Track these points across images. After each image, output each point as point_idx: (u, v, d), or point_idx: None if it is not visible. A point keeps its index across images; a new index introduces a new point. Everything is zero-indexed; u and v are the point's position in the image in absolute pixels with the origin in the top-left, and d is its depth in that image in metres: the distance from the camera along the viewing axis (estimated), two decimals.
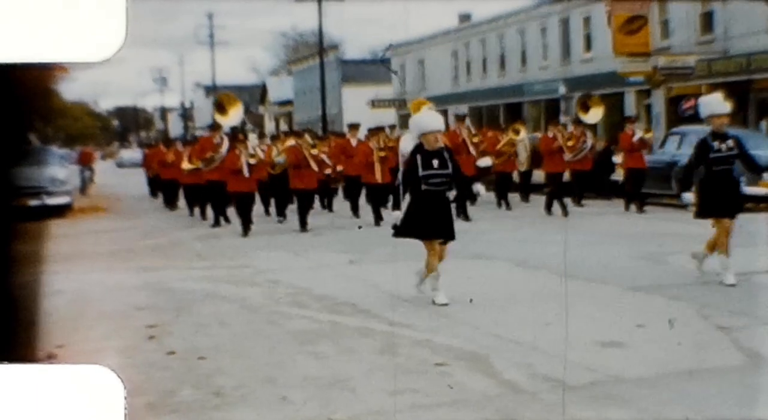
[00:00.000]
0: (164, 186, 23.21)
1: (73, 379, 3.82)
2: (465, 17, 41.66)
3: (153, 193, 25.88)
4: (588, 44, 33.34)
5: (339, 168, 19.13)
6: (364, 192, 19.03)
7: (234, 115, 18.82)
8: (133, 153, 44.06)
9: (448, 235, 9.50)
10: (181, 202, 21.93)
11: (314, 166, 17.16)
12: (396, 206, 9.56)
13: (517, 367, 6.91)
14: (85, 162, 29.63)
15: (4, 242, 4.59)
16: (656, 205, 18.79)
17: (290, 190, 17.44)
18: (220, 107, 18.74)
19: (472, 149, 18.51)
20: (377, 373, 6.89)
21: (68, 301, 10.04)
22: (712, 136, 10.17)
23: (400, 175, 9.81)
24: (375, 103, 42.50)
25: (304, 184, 16.96)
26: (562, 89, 33.97)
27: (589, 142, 19.11)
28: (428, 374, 6.82)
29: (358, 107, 39.59)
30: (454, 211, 9.97)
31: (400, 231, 9.52)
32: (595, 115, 19.99)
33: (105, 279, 11.88)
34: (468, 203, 16.71)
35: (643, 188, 18.69)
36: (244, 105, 20.67)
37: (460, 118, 19.64)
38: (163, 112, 54.15)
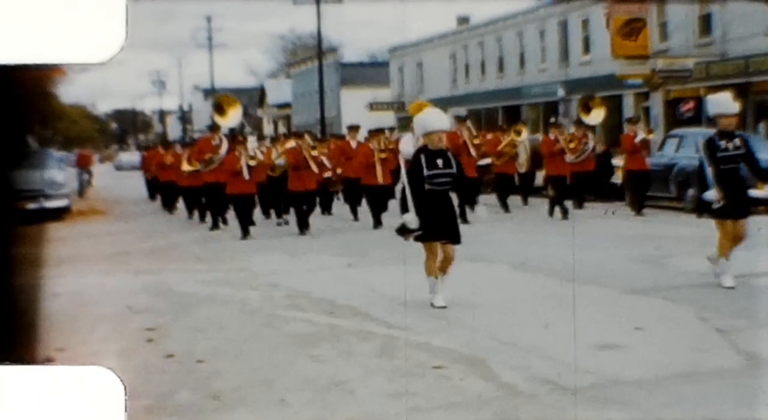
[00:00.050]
0: (163, 188, 23.18)
1: (74, 381, 3.82)
2: (463, 20, 41.70)
3: (151, 195, 25.87)
4: (586, 47, 33.36)
5: (338, 171, 19.05)
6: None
7: (233, 117, 18.76)
8: (131, 156, 44.03)
9: (453, 236, 9.38)
10: (180, 204, 21.92)
11: (314, 168, 17.03)
12: (404, 209, 9.41)
13: (515, 369, 6.90)
14: (83, 165, 29.60)
15: (2, 245, 4.58)
16: (655, 208, 18.76)
17: (288, 192, 17.28)
18: (219, 108, 18.69)
19: (473, 151, 18.48)
20: (375, 376, 6.88)
21: (66, 304, 10.02)
22: (719, 136, 10.04)
23: (403, 176, 9.71)
24: (373, 106, 42.53)
25: (304, 186, 16.82)
26: (561, 92, 33.99)
27: (591, 143, 18.97)
28: (426, 377, 6.81)
29: (357, 110, 39.61)
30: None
31: (403, 231, 9.41)
32: (596, 116, 19.91)
33: (103, 282, 11.87)
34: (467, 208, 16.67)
35: (640, 190, 18.56)
36: (242, 108, 20.61)
37: (461, 120, 19.58)
38: (162, 115, 54.17)
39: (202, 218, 19.50)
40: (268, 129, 49.56)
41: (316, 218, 17.21)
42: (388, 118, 38.38)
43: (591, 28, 32.86)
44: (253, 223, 16.94)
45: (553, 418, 5.90)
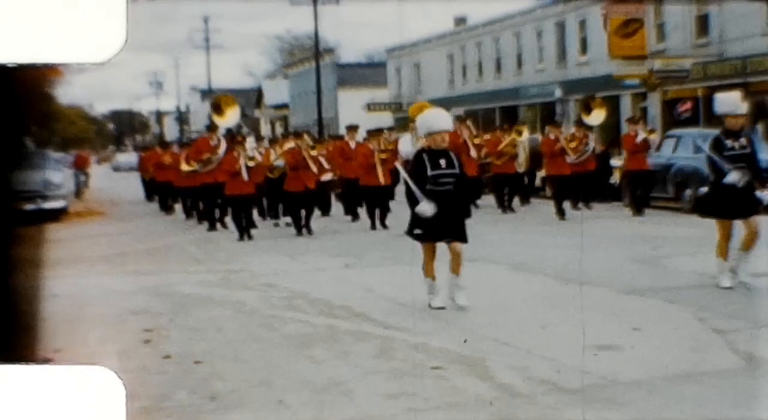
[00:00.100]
0: (160, 189, 23.16)
1: (74, 380, 3.82)
2: (461, 20, 41.74)
3: (149, 196, 25.86)
4: (584, 47, 33.40)
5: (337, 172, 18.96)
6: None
7: (231, 116, 18.67)
8: (128, 156, 44.08)
9: (459, 235, 9.28)
10: (177, 205, 21.91)
11: (314, 168, 16.95)
12: (413, 204, 9.28)
13: (513, 370, 6.90)
14: (80, 166, 29.61)
15: (0, 246, 4.58)
16: (652, 208, 18.77)
17: (285, 192, 17.16)
18: (217, 108, 18.59)
19: (473, 150, 18.48)
20: (373, 377, 6.88)
21: (64, 306, 10.00)
22: (726, 135, 9.96)
23: (404, 174, 9.61)
24: (371, 107, 42.57)
25: (303, 186, 16.69)
26: (558, 92, 34.03)
27: (592, 144, 18.89)
28: (424, 378, 6.81)
29: (354, 111, 39.66)
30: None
31: (413, 232, 9.33)
32: (597, 116, 19.83)
33: (100, 283, 11.86)
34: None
35: (642, 190, 18.52)
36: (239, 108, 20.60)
37: (461, 119, 19.54)
38: (159, 115, 54.21)
39: (200, 219, 19.48)
40: (265, 130, 49.60)
41: (314, 219, 17.19)
42: (385, 119, 38.40)
43: (588, 28, 32.91)
44: (254, 226, 16.84)
45: (551, 419, 5.90)
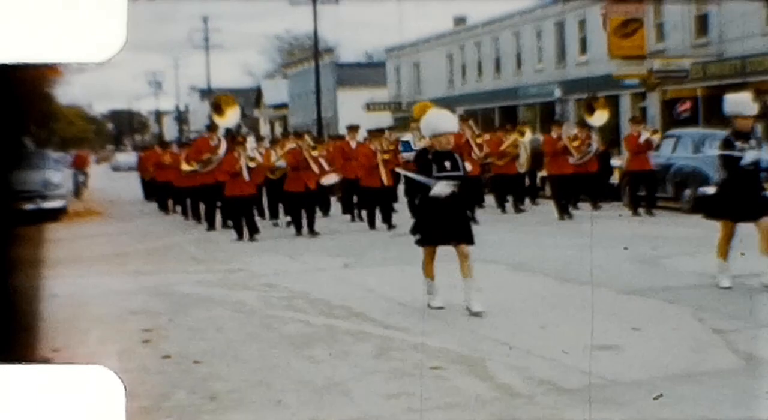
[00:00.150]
0: (160, 189, 23.14)
1: (73, 380, 3.81)
2: (460, 20, 41.75)
3: (148, 196, 25.85)
4: (583, 47, 33.41)
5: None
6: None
7: (231, 116, 18.59)
8: (128, 156, 44.08)
9: (465, 237, 9.17)
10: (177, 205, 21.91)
11: (315, 169, 16.86)
12: (414, 207, 9.18)
13: (513, 370, 6.90)
14: (79, 166, 29.61)
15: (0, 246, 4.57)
16: (652, 208, 18.74)
17: (286, 193, 17.10)
18: (218, 108, 18.52)
19: (476, 150, 18.44)
20: (372, 377, 6.88)
21: (63, 305, 10.00)
22: (735, 136, 9.83)
23: (403, 172, 9.55)
24: (370, 107, 42.58)
25: (304, 186, 16.59)
26: (558, 92, 34.04)
27: (595, 145, 18.80)
28: (424, 378, 6.80)
29: (354, 110, 39.67)
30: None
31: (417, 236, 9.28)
32: (600, 117, 19.74)
33: (100, 283, 11.86)
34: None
35: (641, 191, 18.48)
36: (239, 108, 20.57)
37: (463, 118, 19.48)
38: (158, 115, 54.21)
39: (199, 219, 19.47)
40: (264, 129, 49.60)
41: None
42: (385, 119, 38.42)
43: (588, 28, 32.91)
44: (258, 231, 16.60)
45: (551, 419, 5.90)
